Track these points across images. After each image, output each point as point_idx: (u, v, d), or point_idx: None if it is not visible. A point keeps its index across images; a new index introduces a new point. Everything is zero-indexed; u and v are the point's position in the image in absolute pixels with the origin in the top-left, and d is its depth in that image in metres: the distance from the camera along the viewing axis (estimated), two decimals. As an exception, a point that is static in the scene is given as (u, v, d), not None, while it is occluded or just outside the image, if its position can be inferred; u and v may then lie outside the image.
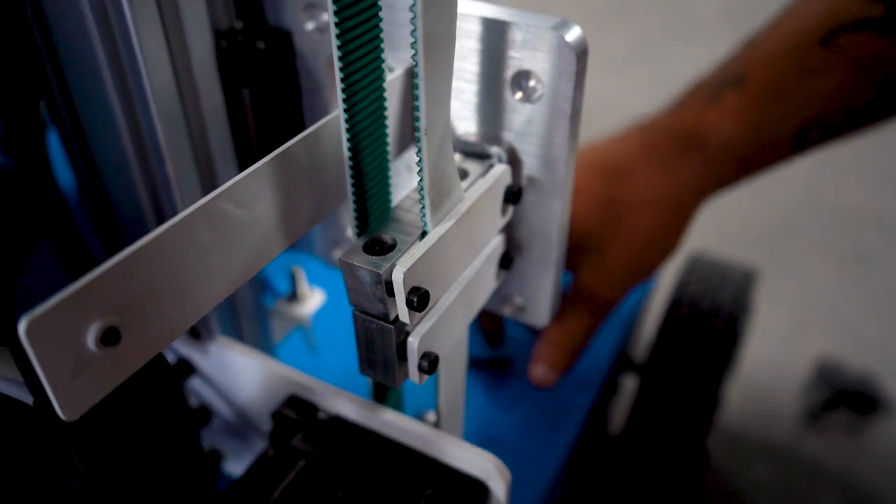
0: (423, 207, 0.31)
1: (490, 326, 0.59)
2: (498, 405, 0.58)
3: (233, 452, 0.50)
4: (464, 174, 0.35)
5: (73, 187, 0.45)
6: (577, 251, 0.52)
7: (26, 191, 0.46)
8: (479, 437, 0.55)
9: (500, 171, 0.35)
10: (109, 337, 0.24)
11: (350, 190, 0.32)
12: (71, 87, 0.38)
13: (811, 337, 1.08)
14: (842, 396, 0.94)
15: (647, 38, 1.98)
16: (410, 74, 0.33)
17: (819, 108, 0.52)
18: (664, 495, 0.64)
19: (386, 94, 0.31)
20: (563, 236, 0.39)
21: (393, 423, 0.38)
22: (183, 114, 0.37)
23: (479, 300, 0.37)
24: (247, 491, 0.37)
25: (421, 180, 0.30)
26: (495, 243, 0.37)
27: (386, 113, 0.32)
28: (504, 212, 0.36)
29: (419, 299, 0.30)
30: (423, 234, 0.31)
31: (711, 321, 0.64)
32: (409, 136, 0.35)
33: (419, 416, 0.44)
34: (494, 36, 0.33)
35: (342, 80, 0.28)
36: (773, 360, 1.04)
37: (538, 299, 0.41)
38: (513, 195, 0.35)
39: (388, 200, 0.34)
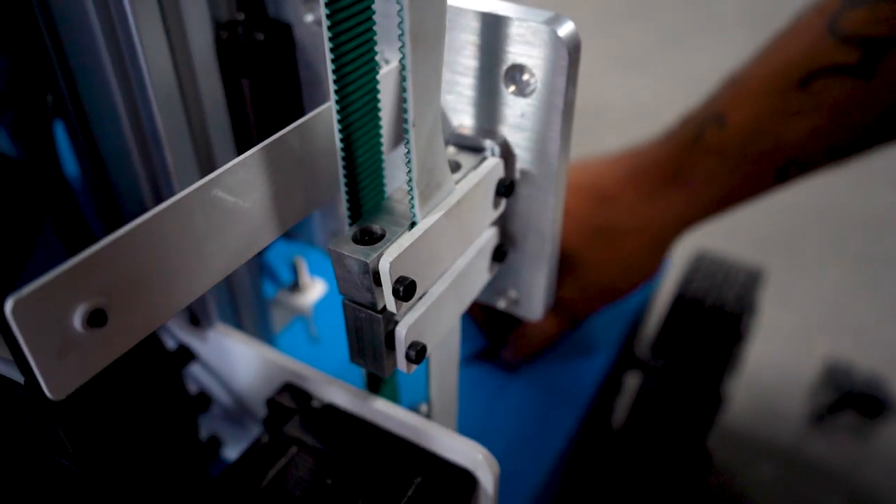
0: (412, 199, 0.31)
1: (478, 318, 0.62)
2: (498, 398, 0.58)
3: (232, 438, 0.51)
4: (456, 166, 0.35)
5: (78, 176, 0.46)
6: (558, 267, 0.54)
7: (34, 178, 0.47)
8: (478, 428, 0.55)
9: (493, 165, 0.35)
10: (96, 318, 0.24)
11: (342, 180, 0.32)
12: (75, 77, 0.39)
13: (820, 338, 1.07)
14: (849, 398, 0.94)
15: (666, 35, 1.97)
16: (404, 67, 0.33)
17: (798, 147, 0.53)
18: (662, 492, 0.64)
19: (380, 87, 0.32)
20: (557, 230, 0.39)
21: (384, 412, 0.38)
22: (182, 104, 0.38)
23: (472, 292, 0.38)
24: (239, 476, 0.38)
25: (409, 171, 0.30)
26: (488, 236, 0.37)
27: (380, 105, 0.32)
28: (496, 205, 0.36)
29: (405, 289, 0.30)
30: (413, 224, 0.32)
31: (713, 319, 0.64)
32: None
33: (414, 407, 0.45)
34: (488, 30, 0.33)
35: (334, 71, 0.29)
36: (781, 361, 1.03)
37: (532, 293, 0.42)
38: (505, 188, 0.36)
39: (381, 191, 0.34)
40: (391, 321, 0.33)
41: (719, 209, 0.59)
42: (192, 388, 0.49)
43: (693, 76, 1.81)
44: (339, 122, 0.30)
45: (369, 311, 0.32)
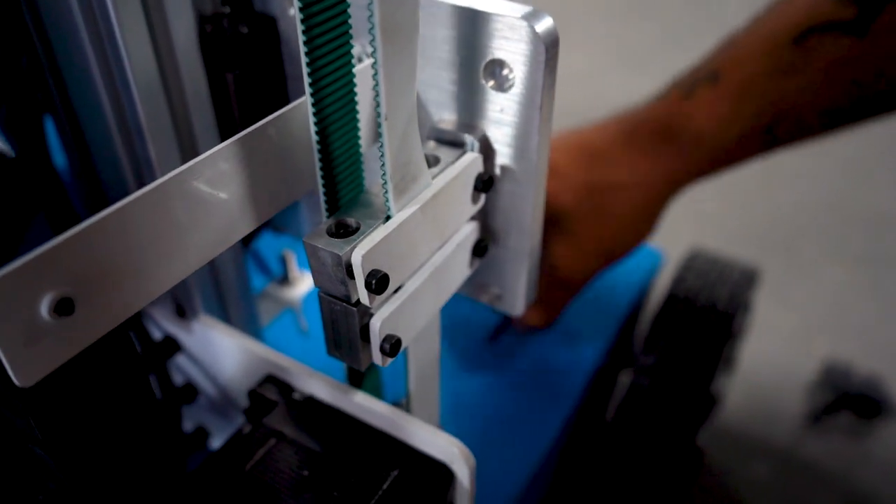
0: (387, 192, 0.31)
1: None
2: (484, 393, 0.58)
3: (218, 429, 0.52)
4: (435, 161, 0.35)
5: (66, 168, 0.47)
6: (552, 231, 0.53)
7: (26, 171, 0.48)
8: (462, 423, 0.55)
9: (471, 159, 0.35)
10: (63, 307, 0.24)
11: (318, 173, 0.32)
12: (62, 72, 0.39)
13: (819, 338, 1.07)
14: (846, 399, 0.93)
15: (667, 34, 1.96)
16: (382, 61, 0.33)
17: (789, 106, 0.53)
18: (652, 490, 0.64)
19: (358, 80, 0.32)
20: (538, 226, 0.39)
21: (363, 405, 0.39)
22: (166, 97, 0.38)
23: (451, 287, 0.38)
24: (217, 467, 0.38)
25: (383, 165, 0.30)
26: (467, 231, 0.38)
27: (358, 98, 0.32)
28: (475, 200, 0.36)
29: (378, 282, 0.30)
30: (388, 218, 0.32)
31: (705, 317, 0.64)
32: (383, 122, 0.35)
33: (398, 402, 0.45)
34: (466, 24, 0.33)
35: (308, 64, 0.29)
36: (779, 361, 1.03)
37: (514, 288, 0.42)
38: (484, 184, 0.36)
39: (360, 184, 0.34)
40: (366, 314, 0.33)
41: (711, 169, 0.58)
42: (179, 378, 0.50)
43: (698, 74, 1.80)
44: (315, 115, 0.30)
45: (344, 304, 0.32)
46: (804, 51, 0.51)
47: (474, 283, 0.43)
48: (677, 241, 1.15)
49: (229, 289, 0.48)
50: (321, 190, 0.33)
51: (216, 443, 0.52)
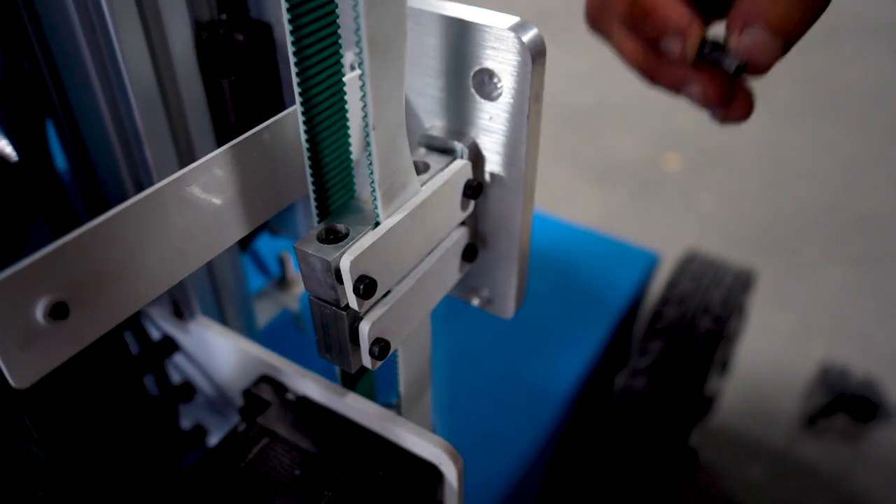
0: (375, 199, 0.32)
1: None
2: (476, 395, 0.59)
3: (215, 427, 0.52)
4: (425, 167, 0.36)
5: (66, 171, 0.48)
6: None
7: (28, 172, 0.49)
8: (453, 424, 0.56)
9: (459, 167, 0.36)
10: (58, 311, 0.25)
11: (309, 179, 0.33)
12: (61, 77, 0.40)
13: (817, 340, 1.07)
14: (842, 401, 0.94)
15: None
16: (373, 70, 0.34)
17: None
18: (645, 490, 0.65)
19: (349, 89, 0.32)
20: (527, 231, 0.40)
21: (355, 406, 0.39)
22: (162, 102, 0.39)
23: (440, 291, 0.38)
24: (214, 464, 0.39)
25: (371, 173, 0.31)
26: (457, 236, 0.38)
27: (348, 106, 0.33)
28: (464, 206, 0.37)
29: (365, 287, 0.31)
30: (377, 224, 0.33)
31: (698, 320, 0.64)
32: (374, 129, 0.36)
33: (391, 403, 0.46)
34: (456, 34, 0.34)
35: (297, 74, 0.30)
36: (776, 362, 1.03)
37: (504, 292, 0.42)
38: (472, 190, 0.36)
39: (350, 190, 0.35)
40: (356, 318, 0.33)
41: None
42: (177, 377, 0.51)
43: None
44: (304, 122, 0.31)
45: (334, 308, 0.33)
46: None
47: (465, 287, 0.43)
48: (676, 241, 1.15)
49: (226, 290, 0.49)
50: (312, 196, 0.33)
51: (213, 440, 0.53)
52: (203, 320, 0.46)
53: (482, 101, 0.35)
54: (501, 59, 0.33)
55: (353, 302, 0.32)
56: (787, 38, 0.37)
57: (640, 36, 0.41)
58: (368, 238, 0.31)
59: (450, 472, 0.37)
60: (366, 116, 0.29)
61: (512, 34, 0.32)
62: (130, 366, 0.31)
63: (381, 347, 0.34)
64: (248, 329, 0.53)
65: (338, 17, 0.30)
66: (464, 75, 0.35)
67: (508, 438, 0.55)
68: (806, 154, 1.52)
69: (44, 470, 0.31)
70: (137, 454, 0.35)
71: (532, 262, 0.60)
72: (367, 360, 0.34)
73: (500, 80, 0.34)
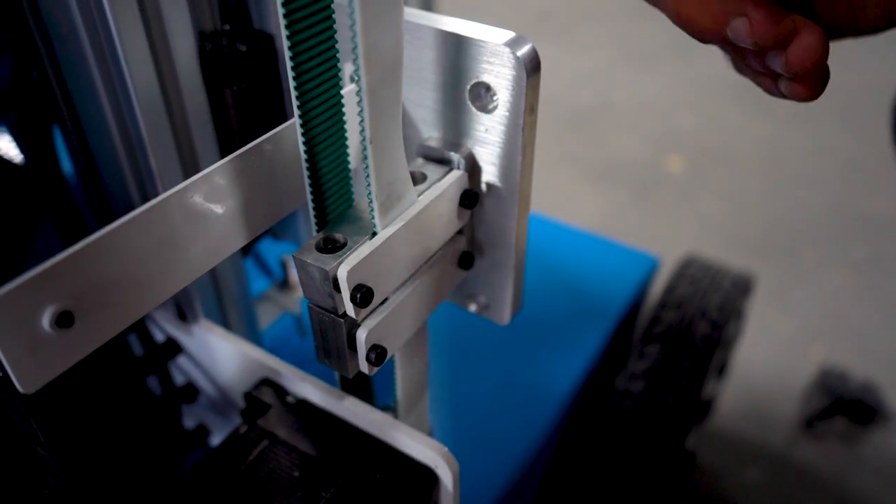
0: (372, 210, 0.33)
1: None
2: (472, 399, 0.60)
3: (218, 428, 0.53)
4: (422, 177, 0.37)
5: (73, 176, 0.48)
6: None
7: (35, 177, 0.50)
8: (450, 427, 0.57)
9: (456, 177, 0.36)
10: (64, 320, 0.26)
11: (307, 190, 0.34)
12: (68, 85, 0.41)
13: (817, 343, 1.07)
14: (841, 405, 0.94)
15: (675, 35, 1.96)
16: (372, 82, 0.35)
17: None
18: (642, 492, 0.65)
19: (346, 101, 0.33)
20: (523, 240, 0.40)
21: (353, 409, 0.40)
22: (166, 111, 0.40)
23: (437, 298, 0.39)
24: (215, 466, 0.40)
25: (369, 185, 0.32)
26: (454, 244, 0.39)
27: (346, 118, 0.34)
28: (461, 215, 0.38)
29: (362, 296, 0.32)
30: (374, 234, 0.33)
31: (695, 324, 0.65)
32: (373, 140, 0.37)
33: (389, 406, 0.47)
34: (452, 49, 0.35)
35: (295, 88, 0.30)
36: (776, 365, 1.04)
37: (500, 299, 0.43)
38: (469, 200, 0.37)
39: (349, 200, 0.36)
40: (353, 324, 0.34)
41: None
42: (180, 379, 0.52)
43: (701, 76, 1.80)
44: (303, 134, 0.32)
45: (332, 315, 0.34)
46: None
47: (463, 293, 0.44)
48: (677, 243, 1.16)
49: (229, 294, 0.50)
50: (310, 206, 0.34)
51: (216, 440, 0.54)
52: (206, 323, 0.47)
53: (478, 113, 0.36)
54: (497, 73, 0.34)
55: (350, 310, 0.33)
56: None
57: None
58: (365, 248, 0.32)
59: (445, 474, 0.38)
60: (363, 130, 0.30)
61: (507, 49, 0.33)
62: (133, 370, 0.32)
63: (378, 354, 0.34)
64: (249, 332, 0.53)
65: (335, 31, 0.31)
66: (460, 88, 0.36)
67: (506, 442, 0.56)
68: (807, 156, 1.52)
69: (49, 470, 0.32)
70: (140, 454, 0.36)
71: (532, 264, 0.61)
72: (364, 366, 0.35)
73: (495, 94, 0.35)
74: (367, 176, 0.31)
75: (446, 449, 0.38)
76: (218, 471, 0.39)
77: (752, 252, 1.23)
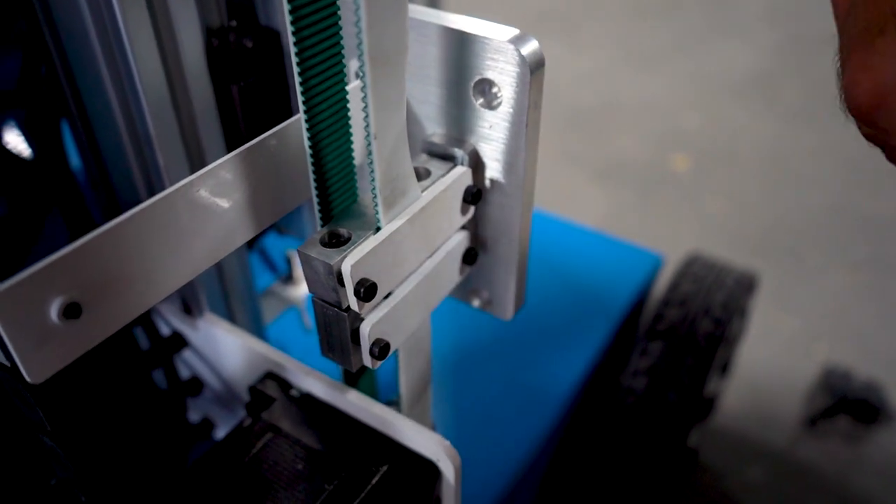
0: (377, 205, 0.33)
1: None
2: (476, 395, 0.60)
3: (222, 421, 0.54)
4: (426, 173, 0.37)
5: (81, 170, 0.49)
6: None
7: (43, 170, 0.50)
8: (452, 423, 0.57)
9: (460, 173, 0.37)
10: (71, 311, 0.27)
11: (312, 185, 0.34)
12: (77, 80, 0.41)
13: (821, 343, 1.07)
14: (844, 404, 0.94)
15: (677, 35, 1.96)
16: (377, 79, 0.35)
17: None
18: (644, 489, 0.66)
19: (351, 97, 0.33)
20: (526, 236, 0.41)
21: (357, 403, 0.41)
22: (173, 106, 0.40)
23: (441, 293, 0.40)
24: (219, 458, 0.40)
25: (373, 180, 0.32)
26: (457, 240, 0.39)
27: (351, 114, 0.34)
28: (464, 211, 0.38)
29: (366, 290, 0.32)
30: (378, 229, 0.34)
31: (699, 322, 0.65)
32: (377, 136, 0.37)
33: (393, 401, 0.47)
34: (457, 45, 0.35)
35: (301, 84, 0.31)
36: (779, 365, 1.04)
37: (504, 294, 0.43)
38: (472, 196, 0.37)
39: (353, 195, 0.36)
40: (357, 319, 0.35)
41: None
42: (185, 372, 0.52)
43: (705, 75, 1.80)
44: (308, 130, 0.32)
45: (336, 310, 0.34)
46: None
47: (466, 289, 0.45)
48: (679, 243, 1.16)
49: (234, 288, 0.50)
50: (315, 200, 0.35)
51: (220, 433, 0.55)
52: (211, 317, 0.47)
53: (482, 109, 0.36)
54: (501, 69, 0.34)
55: (353, 304, 0.33)
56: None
57: None
58: (369, 243, 0.33)
59: (447, 468, 0.38)
60: (367, 126, 0.30)
61: (511, 46, 0.33)
62: (139, 362, 0.33)
63: (381, 348, 0.35)
64: (254, 326, 0.54)
65: (340, 28, 0.31)
66: (465, 85, 0.36)
67: (508, 438, 0.56)
68: (810, 156, 1.52)
69: (56, 460, 0.32)
70: (146, 446, 0.37)
71: (536, 262, 0.61)
72: (367, 360, 0.35)
73: (499, 90, 0.35)
74: (372, 171, 0.32)
75: (448, 443, 0.38)
76: (222, 463, 0.39)
77: (755, 251, 1.23)
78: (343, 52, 0.32)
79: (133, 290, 0.29)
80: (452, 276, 0.40)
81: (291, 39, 0.29)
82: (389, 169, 0.32)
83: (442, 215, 0.36)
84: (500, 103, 0.36)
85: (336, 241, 0.33)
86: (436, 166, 0.37)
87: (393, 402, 0.46)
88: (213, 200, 0.31)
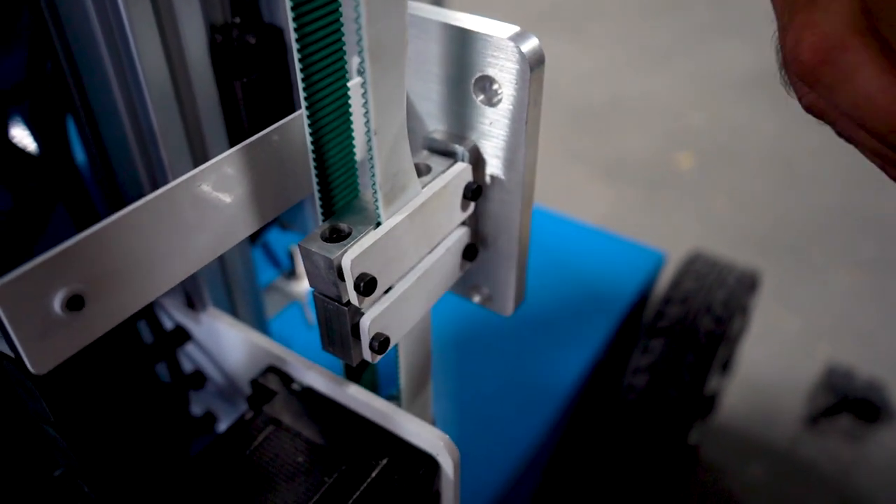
0: (377, 200, 0.33)
1: None
2: (477, 390, 0.60)
3: (225, 414, 0.54)
4: (427, 169, 0.37)
5: (86, 165, 0.49)
6: None
7: (48, 164, 0.51)
8: (453, 417, 0.57)
9: (460, 169, 0.37)
10: (74, 303, 0.27)
11: (314, 180, 0.34)
12: (81, 75, 0.42)
13: (823, 342, 1.07)
14: (846, 403, 0.94)
15: (683, 34, 1.95)
16: (378, 75, 0.35)
17: None
18: (644, 486, 0.66)
19: (353, 94, 0.34)
20: (526, 233, 0.41)
21: (357, 397, 0.41)
22: (177, 102, 0.40)
23: (440, 288, 0.40)
24: (221, 450, 0.40)
25: (373, 176, 0.32)
26: (458, 235, 0.40)
27: (352, 110, 0.34)
28: (464, 207, 0.38)
29: (366, 285, 0.32)
30: (378, 224, 0.34)
31: (699, 320, 0.65)
32: (378, 132, 0.37)
33: (392, 396, 0.47)
34: (458, 42, 0.35)
35: (303, 80, 0.31)
36: (781, 363, 1.04)
37: (504, 290, 0.44)
38: (472, 192, 0.38)
39: (354, 190, 0.37)
40: (357, 313, 0.35)
41: None
42: (188, 366, 0.53)
43: (709, 73, 1.80)
44: (310, 126, 0.32)
45: (336, 304, 0.34)
46: None
47: (466, 285, 0.45)
48: (684, 242, 1.16)
49: (237, 283, 0.51)
50: (316, 196, 0.35)
51: (222, 426, 0.55)
52: (214, 311, 0.47)
53: (483, 106, 0.37)
54: (501, 66, 0.35)
55: (354, 298, 0.33)
56: None
57: None
58: (369, 237, 0.33)
59: (446, 462, 0.39)
60: (368, 121, 0.31)
61: (512, 44, 0.34)
62: (143, 354, 0.33)
63: (381, 342, 0.35)
64: (257, 320, 0.54)
65: (342, 25, 0.31)
66: (465, 82, 0.36)
67: (509, 434, 0.57)
68: (815, 155, 1.52)
69: (60, 450, 0.33)
70: (149, 437, 0.37)
71: (539, 259, 0.61)
72: (367, 354, 0.36)
73: (500, 87, 0.35)
74: (372, 167, 0.32)
75: (448, 437, 0.38)
76: (224, 455, 0.40)
77: (757, 250, 1.23)
78: (344, 48, 0.32)
79: (136, 282, 0.29)
80: (452, 271, 0.40)
81: (294, 36, 0.29)
82: (390, 165, 0.33)
83: (442, 211, 0.37)
84: (500, 100, 0.36)
85: (337, 236, 0.34)
86: (436, 162, 0.38)
87: (393, 397, 0.47)
88: (215, 195, 0.32)
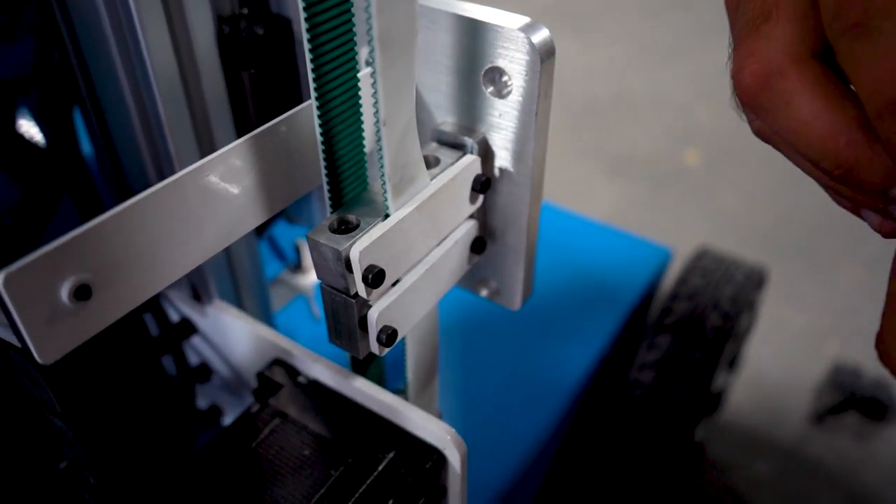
0: (385, 192, 0.33)
1: None
2: (484, 384, 0.60)
3: (230, 407, 0.54)
4: (436, 161, 0.37)
5: (92, 156, 0.49)
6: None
7: (55, 155, 0.51)
8: (460, 411, 0.57)
9: (469, 162, 0.37)
10: (82, 293, 0.27)
11: (323, 171, 0.34)
12: (89, 66, 0.42)
13: (830, 340, 1.07)
14: (853, 401, 0.94)
15: (690, 30, 1.95)
16: (387, 66, 0.35)
17: None
18: (650, 483, 0.66)
19: (363, 84, 0.33)
20: (534, 226, 0.41)
21: (364, 391, 0.41)
22: (185, 94, 0.40)
23: (448, 281, 0.40)
24: (227, 443, 0.40)
25: (382, 167, 0.32)
26: (466, 228, 0.39)
27: (362, 101, 0.34)
28: (473, 200, 0.38)
29: (374, 277, 0.32)
30: (387, 216, 0.34)
31: (707, 316, 0.65)
32: (387, 123, 0.37)
33: (399, 389, 0.47)
34: (468, 33, 0.35)
35: (313, 70, 0.31)
36: (788, 361, 1.03)
37: (512, 284, 0.43)
38: (481, 185, 0.37)
39: (363, 181, 0.36)
40: (364, 306, 0.35)
41: None
42: (194, 359, 0.52)
43: (717, 70, 1.79)
44: (319, 117, 0.32)
45: (344, 296, 0.34)
46: None
47: (474, 278, 0.45)
48: (691, 238, 1.16)
49: (243, 275, 0.51)
50: (325, 187, 0.35)
51: (228, 420, 0.55)
52: (220, 304, 0.47)
53: (492, 98, 0.36)
54: (512, 58, 0.34)
55: (361, 291, 0.33)
56: None
57: None
58: (378, 229, 0.33)
59: (453, 456, 0.39)
60: (377, 112, 0.30)
61: (522, 35, 0.33)
62: (149, 346, 0.33)
63: (388, 335, 0.35)
64: (263, 313, 0.54)
65: (353, 15, 0.31)
66: (475, 73, 0.36)
67: (515, 429, 0.57)
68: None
69: (66, 441, 0.33)
70: (155, 430, 0.37)
71: (545, 254, 0.61)
72: (374, 347, 0.36)
73: (510, 79, 0.35)
74: (381, 158, 0.32)
75: (454, 431, 0.38)
76: (229, 448, 0.40)
77: (765, 246, 1.23)
78: (355, 38, 0.32)
79: (143, 272, 0.29)
80: (461, 264, 0.40)
81: (304, 26, 0.29)
82: (398, 156, 0.32)
83: (451, 203, 0.37)
84: (510, 92, 0.35)
85: (345, 228, 0.33)
86: (445, 154, 0.37)
87: (400, 391, 0.46)
88: (222, 185, 0.32)
